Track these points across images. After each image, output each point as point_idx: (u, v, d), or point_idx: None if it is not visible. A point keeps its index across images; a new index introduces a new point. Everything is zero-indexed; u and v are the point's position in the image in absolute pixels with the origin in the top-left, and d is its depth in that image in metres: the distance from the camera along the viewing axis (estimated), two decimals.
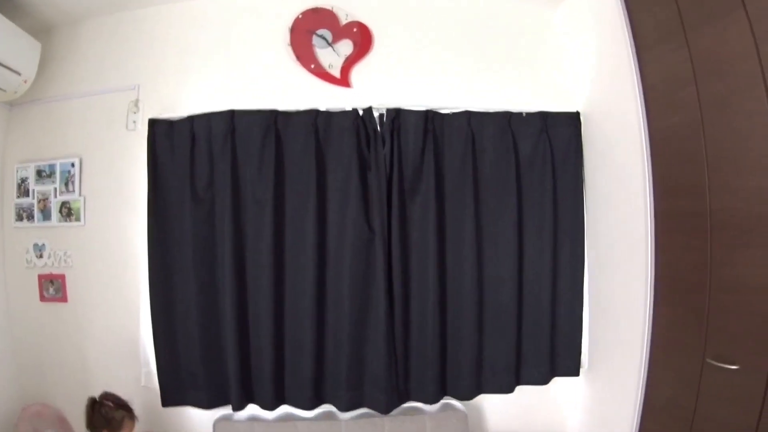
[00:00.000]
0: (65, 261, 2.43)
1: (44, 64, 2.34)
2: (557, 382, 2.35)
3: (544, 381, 2.28)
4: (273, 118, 2.12)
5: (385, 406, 2.05)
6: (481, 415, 2.30)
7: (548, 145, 2.20)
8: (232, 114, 2.14)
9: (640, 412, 1.88)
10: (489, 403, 2.33)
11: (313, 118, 2.11)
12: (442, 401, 2.19)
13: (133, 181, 2.31)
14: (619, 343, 2.05)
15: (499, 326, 2.15)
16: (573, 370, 2.27)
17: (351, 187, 2.06)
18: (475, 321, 2.13)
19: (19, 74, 2.15)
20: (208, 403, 2.23)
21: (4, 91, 2.18)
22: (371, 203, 2.05)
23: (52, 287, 2.39)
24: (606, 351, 2.17)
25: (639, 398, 1.88)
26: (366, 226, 2.06)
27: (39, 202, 2.41)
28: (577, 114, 2.26)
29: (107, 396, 2.07)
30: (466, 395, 2.18)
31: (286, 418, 2.16)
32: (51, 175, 2.41)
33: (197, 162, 2.19)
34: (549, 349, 2.25)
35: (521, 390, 2.30)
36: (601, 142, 2.11)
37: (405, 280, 2.10)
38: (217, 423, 2.19)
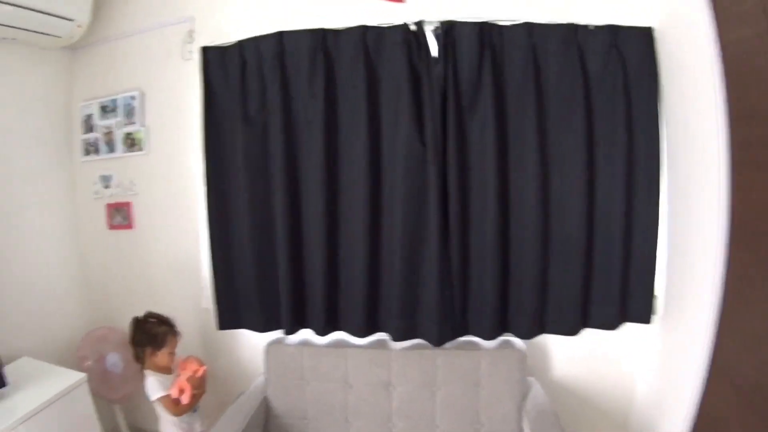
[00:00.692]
0: (131, 189, 2.54)
1: (99, 7, 2.43)
2: (627, 329, 2.14)
3: (612, 326, 2.08)
4: (321, 37, 2.05)
5: (438, 337, 1.99)
6: (542, 357, 2.17)
7: (619, 63, 1.95)
8: (280, 35, 2.09)
9: (706, 375, 1.67)
10: (552, 344, 2.17)
11: (363, 34, 2.02)
12: (501, 338, 2.08)
13: (191, 109, 2.34)
14: (693, 292, 1.82)
15: (565, 260, 1.98)
16: (644, 316, 2.05)
17: (403, 105, 1.96)
18: (539, 252, 1.98)
19: (71, 20, 2.25)
20: (261, 326, 2.28)
21: (60, 37, 2.31)
22: (425, 122, 1.95)
23: (119, 215, 2.51)
24: (681, 299, 1.93)
25: (705, 358, 1.66)
26: (420, 145, 1.96)
27: (104, 135, 2.50)
28: (650, 30, 1.98)
29: (151, 314, 2.19)
30: (527, 334, 2.05)
31: (337, 345, 2.17)
32: (114, 109, 2.50)
33: (248, 85, 2.19)
34: (619, 288, 2.03)
35: (588, 334, 2.13)
36: (675, 61, 1.87)
37: (462, 203, 1.98)
38: (269, 346, 2.23)
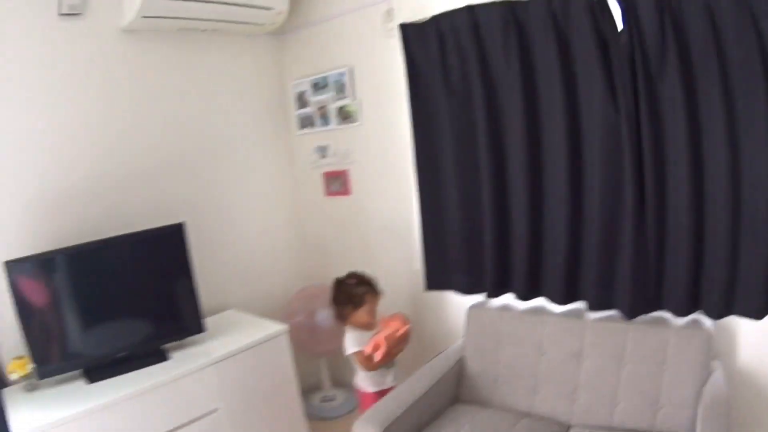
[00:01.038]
0: (347, 158, 3.01)
1: None
2: None
3: None
4: (511, 8, 2.24)
5: (631, 309, 2.13)
6: (730, 341, 2.12)
7: None
8: (471, 9, 2.33)
9: None
10: (743, 328, 2.08)
11: (549, 2, 2.15)
12: (690, 318, 2.13)
13: (398, 81, 2.66)
14: None
15: (755, 235, 1.93)
16: None
17: (594, 71, 2.07)
18: (729, 226, 1.95)
19: (270, 9, 2.73)
20: (466, 289, 2.67)
21: (263, 24, 2.86)
22: (616, 89, 2.04)
23: (336, 183, 2.93)
24: None
25: None
26: (613, 113, 2.06)
27: (318, 110, 2.88)
28: None
29: (352, 275, 2.57)
30: (714, 312, 2.07)
31: (536, 312, 2.42)
32: (325, 86, 3.02)
33: (447, 57, 2.46)
34: None
35: None
36: None
37: (656, 170, 2.03)
38: (472, 309, 2.60)
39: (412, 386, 2.31)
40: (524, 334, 2.39)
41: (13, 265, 2.12)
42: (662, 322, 2.15)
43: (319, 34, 3.02)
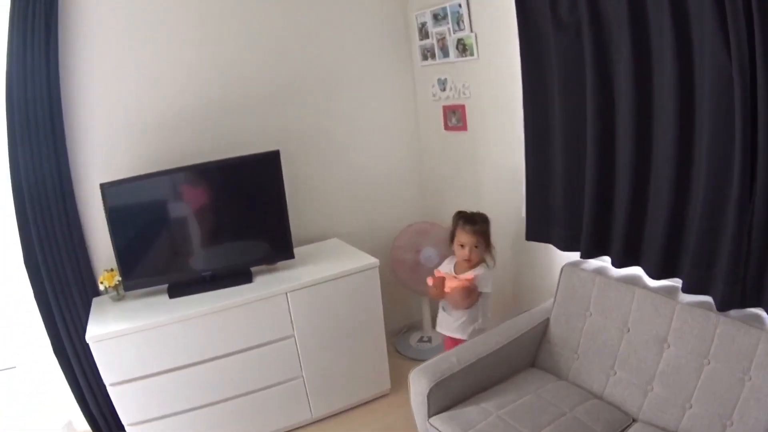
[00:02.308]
0: (464, 93, 3.01)
1: None
2: None
3: None
4: None
5: (723, 299, 1.85)
6: None
7: None
8: None
9: None
10: None
11: None
12: None
13: (511, 14, 2.48)
14: None
15: None
16: None
17: (707, 10, 1.72)
18: None
19: None
20: (565, 244, 2.53)
21: None
22: (729, 33, 1.67)
23: (455, 117, 2.92)
24: None
25: None
26: (726, 59, 1.71)
27: (438, 41, 2.86)
28: None
29: (463, 211, 2.67)
30: None
31: (629, 281, 2.23)
32: (444, 17, 2.95)
33: None
34: None
35: None
36: None
37: None
38: (566, 267, 2.47)
39: (482, 343, 2.34)
40: (612, 305, 2.21)
41: (108, 187, 2.52)
42: (758, 321, 1.84)
43: None
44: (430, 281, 2.61)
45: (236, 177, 2.73)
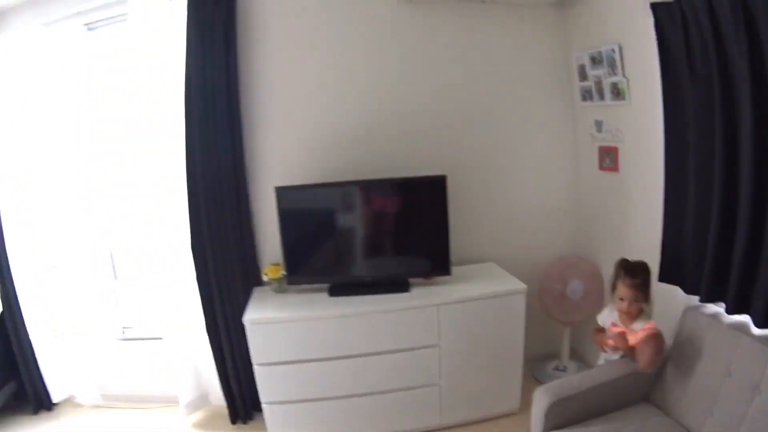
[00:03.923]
0: (617, 135, 3.20)
1: None
2: None
3: None
4: None
5: None
6: None
7: None
8: None
9: None
10: None
11: None
12: None
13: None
14: None
15: None
16: None
17: None
18: None
19: None
20: (690, 287, 2.67)
21: None
22: None
23: (608, 158, 3.23)
24: None
25: None
26: None
27: (595, 83, 3.18)
28: None
29: (626, 260, 2.72)
30: None
31: (738, 328, 2.35)
32: (600, 61, 3.21)
33: (690, 39, 2.46)
34: None
35: None
36: None
37: None
38: (687, 310, 2.66)
39: (603, 372, 2.62)
40: (721, 350, 2.35)
41: (282, 191, 3.12)
42: None
43: (593, 9, 3.21)
44: (610, 342, 2.68)
45: (404, 195, 3.22)
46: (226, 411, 3.47)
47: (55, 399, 3.85)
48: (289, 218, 3.16)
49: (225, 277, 3.28)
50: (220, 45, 3.05)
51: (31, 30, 3.30)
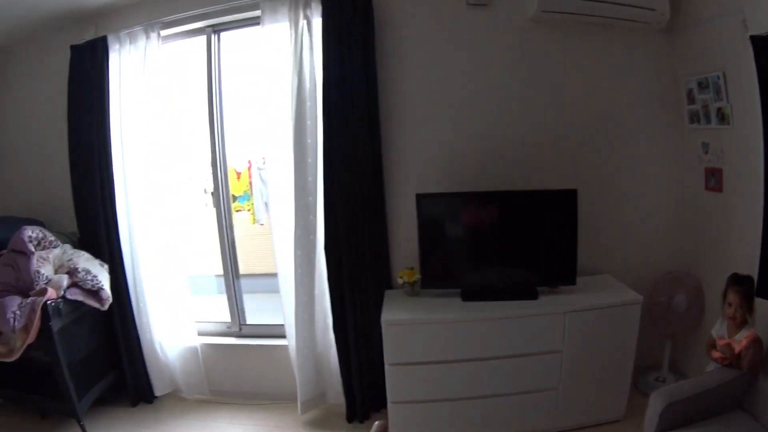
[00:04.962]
0: (722, 158, 3.47)
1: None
2: None
3: None
4: None
5: None
6: None
7: None
8: None
9: None
10: None
11: None
12: None
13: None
14: None
15: None
16: None
17: None
18: None
19: (653, 10, 3.39)
20: None
21: (649, 23, 3.51)
22: None
23: (713, 179, 3.48)
24: None
25: None
26: None
27: (702, 107, 3.44)
28: None
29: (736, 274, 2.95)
30: None
31: None
32: (707, 86, 3.46)
33: None
34: None
35: None
36: None
37: None
38: None
39: (708, 378, 2.79)
40: None
41: (422, 198, 3.37)
42: None
43: (699, 36, 3.43)
44: (717, 354, 2.86)
45: (535, 206, 3.44)
46: (341, 410, 3.73)
47: (157, 392, 4.18)
48: (427, 224, 3.42)
49: (357, 279, 3.50)
50: (358, 52, 3.33)
51: (153, 33, 3.72)
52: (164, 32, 3.81)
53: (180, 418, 4.00)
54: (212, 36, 3.88)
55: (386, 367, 3.25)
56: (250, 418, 3.91)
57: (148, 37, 3.74)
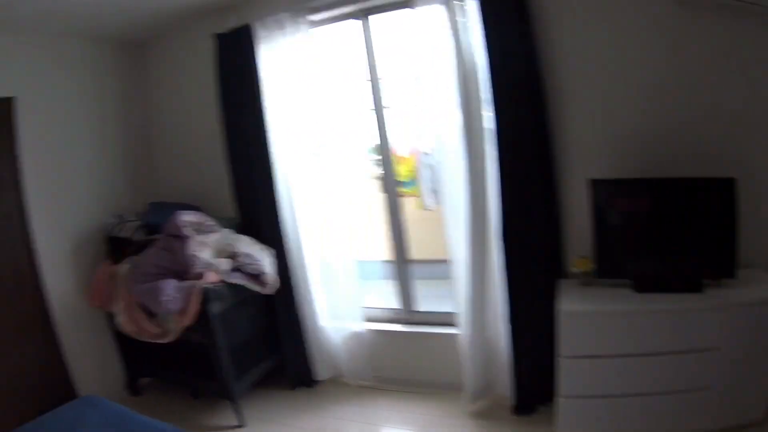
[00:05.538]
0: None
1: None
2: None
3: None
4: None
5: None
6: None
7: None
8: None
9: None
10: None
11: None
12: None
13: None
14: None
15: None
16: None
17: None
18: None
19: None
20: None
21: None
22: None
23: None
24: None
25: None
26: None
27: None
28: None
29: None
30: None
31: None
32: None
33: None
34: None
35: None
36: None
37: None
38: None
39: None
40: None
41: (597, 183, 3.20)
42: None
43: None
44: None
45: (702, 194, 3.20)
46: (506, 402, 3.62)
47: (318, 377, 4.27)
48: (601, 211, 3.26)
49: (529, 267, 3.40)
50: (515, 30, 3.17)
51: (301, 18, 3.71)
52: (312, 17, 3.78)
53: (340, 403, 4.05)
54: (363, 19, 3.81)
55: (560, 359, 3.14)
56: (412, 407, 3.89)
57: (295, 23, 3.74)
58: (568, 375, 3.17)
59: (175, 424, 2.91)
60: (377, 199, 4.34)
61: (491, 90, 3.28)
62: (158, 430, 2.72)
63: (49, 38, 4.08)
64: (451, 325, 3.82)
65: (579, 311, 3.11)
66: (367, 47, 3.86)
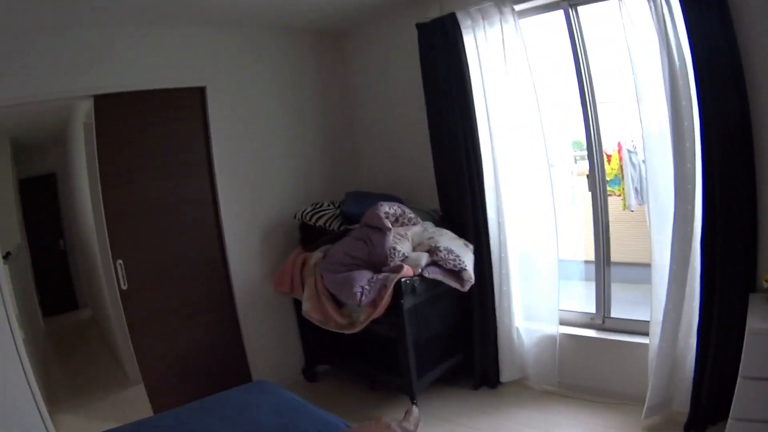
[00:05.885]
0: None
1: None
2: None
3: None
4: None
5: None
6: None
7: None
8: None
9: None
10: None
11: None
12: None
13: None
14: None
15: None
16: None
17: None
18: None
19: None
20: None
21: None
22: None
23: None
24: None
25: None
26: None
27: None
28: None
29: None
30: None
31: None
32: None
33: None
34: None
35: None
36: None
37: None
38: None
39: None
40: None
41: None
42: None
43: None
44: None
45: None
46: (680, 418, 3.37)
47: (503, 378, 4.15)
48: None
49: (727, 279, 3.14)
50: (718, 21, 2.93)
51: (506, 8, 3.65)
52: (518, 7, 3.73)
53: (521, 406, 3.94)
54: (569, 10, 3.68)
55: (739, 379, 2.85)
56: (592, 417, 3.68)
57: (501, 13, 3.71)
58: (745, 396, 2.87)
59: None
60: (582, 197, 4.22)
61: (696, 86, 3.05)
62: (326, 421, 2.68)
63: (245, 30, 4.41)
64: (643, 334, 3.62)
65: (764, 330, 2.78)
66: (575, 38, 3.72)
